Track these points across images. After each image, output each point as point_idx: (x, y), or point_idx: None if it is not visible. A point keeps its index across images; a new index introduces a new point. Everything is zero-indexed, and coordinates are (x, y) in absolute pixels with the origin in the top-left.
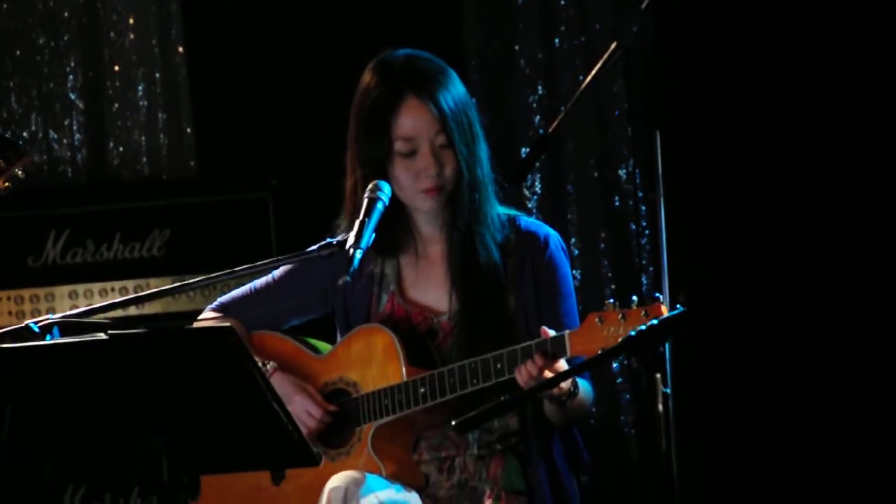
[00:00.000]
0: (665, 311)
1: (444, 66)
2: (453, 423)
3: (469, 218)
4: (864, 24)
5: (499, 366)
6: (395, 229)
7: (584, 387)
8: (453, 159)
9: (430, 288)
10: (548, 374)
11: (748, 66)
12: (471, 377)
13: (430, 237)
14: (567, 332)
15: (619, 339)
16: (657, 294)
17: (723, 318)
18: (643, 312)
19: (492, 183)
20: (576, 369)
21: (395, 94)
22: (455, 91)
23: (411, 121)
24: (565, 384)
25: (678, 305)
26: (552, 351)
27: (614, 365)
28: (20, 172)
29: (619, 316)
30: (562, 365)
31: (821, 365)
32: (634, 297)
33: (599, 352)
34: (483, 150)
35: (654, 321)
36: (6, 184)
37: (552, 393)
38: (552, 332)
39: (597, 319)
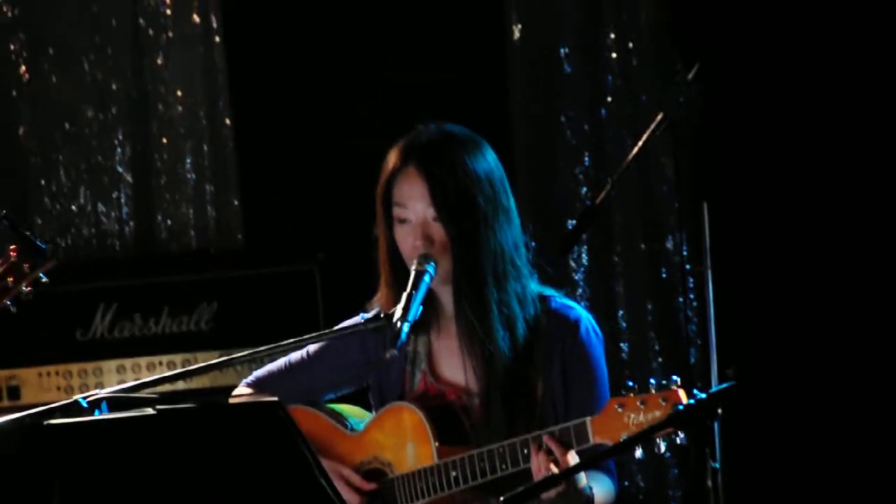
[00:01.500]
0: (683, 397)
1: (468, 140)
2: (502, 499)
3: (473, 303)
4: None
5: (525, 451)
6: (426, 305)
7: (604, 487)
8: (446, 236)
9: (457, 367)
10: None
11: (795, 137)
12: (500, 462)
13: (452, 313)
14: (588, 418)
15: (643, 425)
16: (675, 377)
17: (772, 392)
18: (661, 399)
19: (512, 264)
20: (609, 451)
21: (401, 160)
22: (466, 167)
23: (405, 188)
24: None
25: (725, 380)
26: (575, 437)
27: (638, 452)
28: (44, 278)
29: (638, 402)
30: (571, 457)
31: (869, 437)
32: (653, 381)
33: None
34: (499, 230)
35: (703, 395)
36: (29, 288)
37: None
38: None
39: (616, 406)
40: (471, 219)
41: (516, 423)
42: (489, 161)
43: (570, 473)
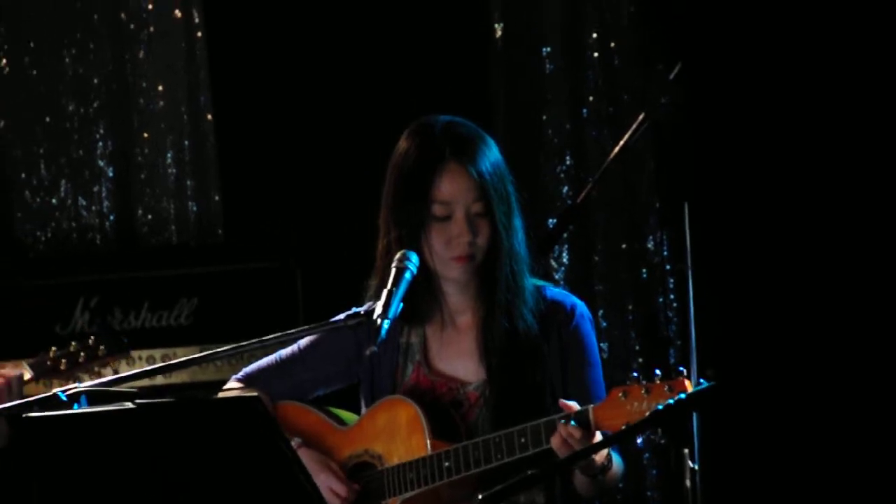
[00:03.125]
0: (689, 386)
1: (484, 133)
2: (480, 497)
3: (506, 288)
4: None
5: (523, 440)
6: (423, 298)
7: (616, 460)
8: (488, 228)
9: (456, 358)
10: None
11: (777, 136)
12: (495, 451)
13: (459, 307)
14: (591, 406)
15: (646, 413)
16: (681, 368)
17: (752, 392)
18: (667, 387)
19: (527, 255)
20: (601, 443)
21: (436, 157)
22: (495, 160)
23: (450, 185)
24: (600, 457)
25: (705, 380)
26: (576, 425)
27: (639, 440)
28: (114, 367)
29: (643, 390)
30: (598, 437)
31: (849, 438)
32: (658, 371)
33: (623, 426)
34: (519, 222)
35: (682, 395)
36: (97, 370)
37: (589, 466)
38: (575, 406)
39: (620, 394)
40: (510, 209)
41: (512, 416)
42: (500, 154)
43: (594, 450)
